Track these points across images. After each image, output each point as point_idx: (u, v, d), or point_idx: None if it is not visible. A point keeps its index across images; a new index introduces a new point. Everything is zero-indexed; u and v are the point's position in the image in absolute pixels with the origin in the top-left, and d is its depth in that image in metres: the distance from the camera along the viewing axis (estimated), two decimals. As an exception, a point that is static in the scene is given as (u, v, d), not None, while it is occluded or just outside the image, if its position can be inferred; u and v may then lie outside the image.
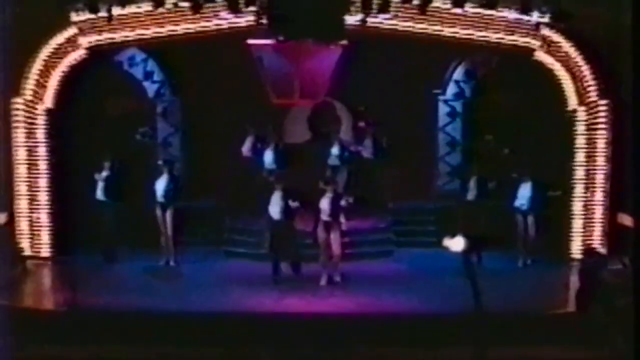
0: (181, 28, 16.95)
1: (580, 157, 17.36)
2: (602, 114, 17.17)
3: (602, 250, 16.78)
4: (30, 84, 17.16)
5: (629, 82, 13.99)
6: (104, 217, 17.39)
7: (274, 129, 19.38)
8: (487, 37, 17.11)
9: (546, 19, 16.87)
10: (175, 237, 17.39)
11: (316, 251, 16.37)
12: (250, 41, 18.23)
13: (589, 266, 14.76)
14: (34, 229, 17.54)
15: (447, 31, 17.07)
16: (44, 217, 17.53)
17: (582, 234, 17.45)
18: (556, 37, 17.02)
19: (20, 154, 17.39)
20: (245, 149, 19.26)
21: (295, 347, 13.28)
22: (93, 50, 17.16)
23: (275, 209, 16.20)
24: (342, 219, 15.97)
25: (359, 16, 16.53)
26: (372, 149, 19.36)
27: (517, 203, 17.16)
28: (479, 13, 16.90)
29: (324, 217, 15.88)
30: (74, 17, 16.81)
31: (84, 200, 17.64)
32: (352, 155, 19.25)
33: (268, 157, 19.01)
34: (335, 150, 19.08)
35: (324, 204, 15.87)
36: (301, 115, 19.89)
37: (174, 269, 17.18)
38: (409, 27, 17.00)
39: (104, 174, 17.35)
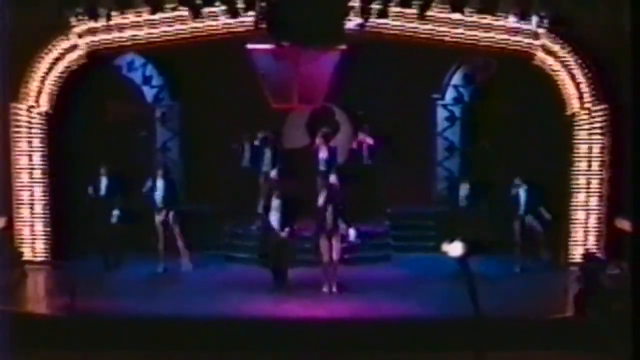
0: (180, 33, 16.98)
1: (579, 162, 17.36)
2: (601, 118, 17.17)
3: (600, 255, 16.78)
4: (29, 89, 17.17)
5: (628, 87, 14.00)
6: (105, 223, 17.40)
7: (272, 132, 19.26)
8: (486, 42, 17.13)
9: (545, 24, 16.89)
10: (182, 241, 17.41)
11: (314, 256, 16.43)
12: (249, 46, 18.26)
13: (588, 271, 14.79)
14: (33, 234, 17.53)
15: (446, 36, 17.09)
16: (42, 221, 17.53)
17: (580, 238, 17.45)
18: (555, 41, 17.03)
19: (19, 159, 17.39)
20: (245, 160, 19.02)
21: (293, 353, 13.28)
22: (92, 55, 17.18)
23: (275, 217, 16.18)
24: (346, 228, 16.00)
25: (358, 21, 16.57)
26: (372, 155, 19.25)
27: (514, 208, 17.16)
28: (477, 18, 16.93)
29: (327, 226, 15.84)
30: (73, 22, 16.84)
31: (82, 205, 17.63)
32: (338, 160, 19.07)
33: (266, 160, 18.79)
34: (323, 154, 18.91)
35: (326, 212, 15.84)
36: (300, 120, 19.86)
37: (174, 274, 17.18)
38: (408, 31, 17.03)
39: (104, 181, 17.37)
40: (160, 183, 17.20)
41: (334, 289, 15.95)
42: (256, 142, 18.93)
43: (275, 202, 16.14)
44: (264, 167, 18.72)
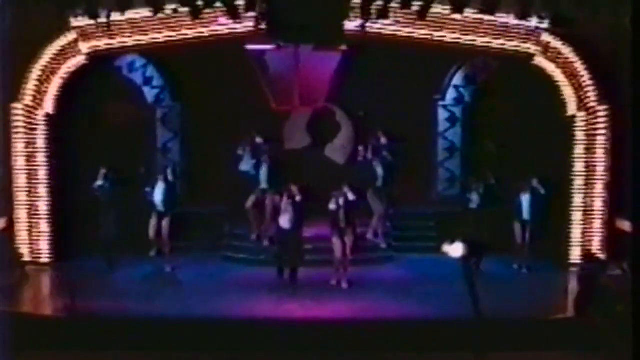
0: (181, 34, 16.98)
1: (579, 162, 17.37)
2: (602, 119, 17.17)
3: (601, 256, 16.79)
4: (30, 90, 17.17)
5: (628, 87, 14.01)
6: (106, 224, 17.43)
7: (269, 142, 18.93)
8: (487, 42, 17.13)
9: (545, 24, 16.90)
10: (171, 244, 17.52)
11: (315, 257, 16.47)
12: (250, 46, 18.26)
13: (588, 272, 14.79)
14: (33, 235, 17.53)
15: (447, 36, 17.10)
16: (43, 222, 17.51)
17: (581, 239, 17.46)
18: (555, 42, 17.04)
19: (20, 160, 17.38)
20: (244, 164, 18.69)
21: (294, 353, 13.28)
22: (93, 55, 17.18)
23: (284, 217, 16.27)
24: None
25: (359, 22, 16.57)
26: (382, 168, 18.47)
27: (517, 211, 17.17)
28: (478, 19, 16.93)
29: (341, 223, 16.17)
30: (74, 22, 16.84)
31: (83, 205, 17.65)
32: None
33: (263, 175, 18.31)
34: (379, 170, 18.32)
35: (340, 210, 16.16)
36: (301, 121, 19.84)
37: (171, 274, 17.17)
38: (409, 32, 17.04)
39: (100, 182, 17.34)
40: (160, 186, 17.24)
41: (344, 285, 16.19)
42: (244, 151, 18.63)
43: (285, 204, 16.29)
44: (262, 182, 18.33)
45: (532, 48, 17.09)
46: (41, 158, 17.41)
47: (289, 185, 16.64)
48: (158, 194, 17.30)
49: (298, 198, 16.28)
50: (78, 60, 17.20)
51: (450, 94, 19.58)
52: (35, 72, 17.11)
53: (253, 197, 18.19)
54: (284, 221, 16.27)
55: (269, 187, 18.05)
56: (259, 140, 18.76)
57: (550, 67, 17.24)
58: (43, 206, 17.51)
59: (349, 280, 16.26)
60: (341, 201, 16.22)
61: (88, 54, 17.14)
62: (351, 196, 16.42)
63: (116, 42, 17.05)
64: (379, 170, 18.25)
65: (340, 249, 16.26)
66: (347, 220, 16.25)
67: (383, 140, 18.66)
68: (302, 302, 15.20)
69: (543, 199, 17.16)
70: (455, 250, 11.66)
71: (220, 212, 18.69)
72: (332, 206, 16.23)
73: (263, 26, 16.55)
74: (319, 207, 16.55)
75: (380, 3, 16.46)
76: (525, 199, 17.19)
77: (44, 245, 17.55)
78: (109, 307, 14.77)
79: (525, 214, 17.20)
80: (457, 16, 16.84)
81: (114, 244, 17.38)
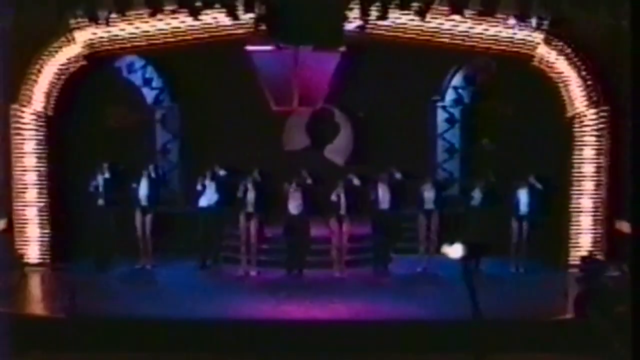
0: (179, 34, 16.97)
1: (578, 162, 17.37)
2: (601, 120, 17.18)
3: (600, 257, 16.78)
4: (28, 91, 17.16)
5: (627, 88, 14.02)
6: (102, 223, 17.50)
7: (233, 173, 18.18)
8: (486, 43, 17.14)
9: (545, 26, 16.90)
10: (154, 241, 17.61)
11: (317, 258, 16.50)
12: (249, 47, 18.26)
13: (588, 273, 14.78)
14: (33, 236, 17.52)
15: (446, 37, 17.09)
16: (42, 223, 17.52)
17: (580, 240, 17.44)
18: (555, 43, 17.04)
19: (19, 161, 17.38)
20: (204, 200, 17.76)
21: (293, 355, 13.27)
22: (92, 56, 17.17)
23: (293, 204, 16.77)
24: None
25: (358, 23, 16.58)
26: (390, 198, 17.69)
27: (515, 209, 17.19)
28: (477, 19, 16.94)
29: (342, 211, 16.75)
30: (73, 24, 16.83)
31: (82, 206, 17.67)
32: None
33: (250, 198, 17.28)
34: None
35: (340, 200, 16.70)
36: (300, 122, 19.85)
37: (149, 273, 17.27)
38: (408, 33, 17.03)
39: (101, 178, 17.38)
40: (144, 182, 17.31)
41: (342, 274, 16.77)
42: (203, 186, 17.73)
43: (295, 191, 16.80)
44: (249, 205, 17.29)
45: (531, 49, 17.08)
46: (40, 159, 17.41)
47: (300, 171, 17.01)
48: (142, 189, 17.33)
49: (308, 182, 16.82)
50: (77, 61, 17.19)
51: (449, 95, 19.57)
52: (35, 73, 17.11)
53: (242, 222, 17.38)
54: (293, 207, 16.82)
55: (256, 211, 17.24)
56: (222, 172, 18.01)
57: (549, 68, 17.25)
58: (42, 207, 17.52)
59: (348, 279, 16.56)
60: (341, 192, 16.70)
61: (87, 55, 17.14)
62: (357, 181, 16.64)
63: (115, 43, 17.06)
64: (427, 194, 17.53)
65: (337, 234, 16.75)
66: (348, 209, 16.72)
67: (397, 175, 17.88)
68: (302, 302, 15.20)
69: (540, 195, 17.18)
70: (455, 251, 11.67)
71: (219, 213, 18.64)
72: (333, 197, 16.74)
73: (262, 27, 16.55)
74: (318, 208, 16.69)
75: (379, 4, 16.47)
76: (523, 195, 17.22)
77: (43, 246, 17.56)
78: (109, 308, 14.76)
79: (523, 210, 17.23)
80: (457, 17, 16.84)
81: (112, 243, 17.51)
